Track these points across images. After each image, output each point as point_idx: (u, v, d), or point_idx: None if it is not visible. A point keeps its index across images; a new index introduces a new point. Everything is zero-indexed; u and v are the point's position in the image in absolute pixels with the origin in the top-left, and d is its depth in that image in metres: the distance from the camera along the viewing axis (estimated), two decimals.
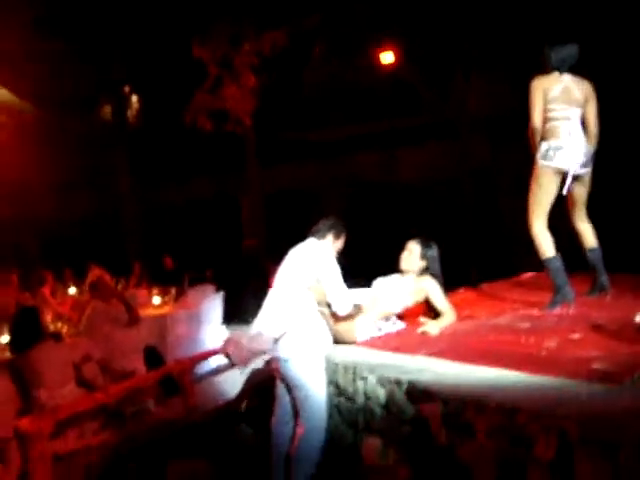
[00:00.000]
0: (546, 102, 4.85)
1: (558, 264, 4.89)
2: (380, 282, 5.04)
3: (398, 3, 11.31)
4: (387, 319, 4.89)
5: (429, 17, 11.28)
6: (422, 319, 4.85)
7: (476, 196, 11.80)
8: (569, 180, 4.86)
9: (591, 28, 8.19)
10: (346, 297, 4.27)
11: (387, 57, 12.61)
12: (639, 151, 6.58)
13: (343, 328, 4.60)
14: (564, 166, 4.84)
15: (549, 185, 4.90)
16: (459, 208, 11.88)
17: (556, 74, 4.91)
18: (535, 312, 4.92)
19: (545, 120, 4.88)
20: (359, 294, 4.83)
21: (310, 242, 4.40)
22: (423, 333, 4.60)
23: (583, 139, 4.89)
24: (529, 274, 6.87)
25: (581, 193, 5.09)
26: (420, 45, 11.89)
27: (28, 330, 5.62)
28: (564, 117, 4.86)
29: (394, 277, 5.04)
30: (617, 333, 3.81)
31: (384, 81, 12.78)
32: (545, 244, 4.90)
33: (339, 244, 4.46)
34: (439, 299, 4.85)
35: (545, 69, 4.94)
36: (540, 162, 4.87)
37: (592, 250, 5.11)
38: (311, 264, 4.21)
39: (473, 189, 11.89)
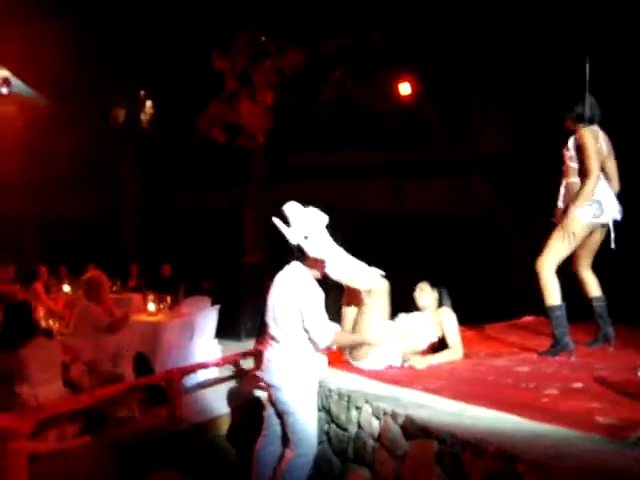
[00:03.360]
0: None
1: (562, 313, 4.83)
2: (403, 318, 4.95)
3: (421, 36, 11.35)
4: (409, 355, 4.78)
5: (450, 52, 11.31)
6: (410, 354, 4.76)
7: (481, 236, 11.72)
8: (613, 234, 4.85)
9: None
10: (326, 327, 4.03)
11: (404, 88, 12.63)
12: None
13: (358, 352, 4.56)
14: (604, 221, 4.83)
15: (579, 238, 4.86)
16: (462, 246, 11.81)
17: (596, 127, 4.88)
18: (534, 357, 4.86)
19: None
20: (386, 326, 4.73)
21: (293, 266, 4.19)
22: (410, 367, 4.60)
23: (612, 192, 4.87)
24: (529, 318, 6.80)
25: (597, 242, 5.03)
26: (438, 79, 11.93)
27: (20, 325, 5.52)
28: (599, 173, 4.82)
29: (415, 314, 4.98)
30: (620, 386, 3.74)
31: (399, 111, 12.79)
32: (553, 290, 4.83)
33: (324, 263, 4.27)
34: (452, 332, 4.82)
35: (584, 120, 4.85)
36: (579, 218, 4.78)
37: (597, 299, 5.05)
38: (292, 294, 4.03)
39: (478, 228, 11.82)
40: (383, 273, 4.57)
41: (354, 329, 4.58)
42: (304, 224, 4.09)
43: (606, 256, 5.12)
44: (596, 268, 5.16)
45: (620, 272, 6.81)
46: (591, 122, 4.86)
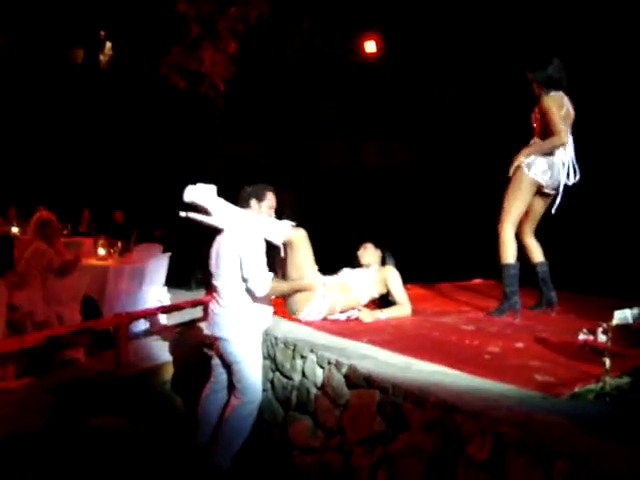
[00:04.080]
0: None
1: (515, 272, 4.93)
2: (347, 272, 5.01)
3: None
4: (350, 309, 4.85)
5: (417, 16, 11.24)
6: (360, 307, 4.85)
7: (433, 197, 11.80)
8: (558, 200, 4.93)
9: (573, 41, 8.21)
10: (264, 276, 4.01)
11: (369, 46, 12.55)
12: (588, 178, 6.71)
13: (298, 298, 4.57)
14: (550, 184, 4.89)
15: (529, 195, 4.93)
16: (414, 207, 11.88)
17: (561, 94, 4.89)
18: (481, 316, 4.95)
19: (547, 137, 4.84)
20: (326, 278, 4.79)
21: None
22: (357, 319, 4.71)
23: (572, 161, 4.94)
24: (478, 280, 6.92)
25: (541, 210, 5.13)
26: (402, 42, 11.86)
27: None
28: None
29: (359, 270, 5.03)
30: (560, 347, 3.83)
31: (362, 69, 12.69)
32: (510, 249, 4.93)
33: (267, 204, 4.29)
34: (398, 289, 4.89)
35: (549, 85, 4.86)
36: (529, 175, 4.85)
37: (541, 264, 5.15)
38: (235, 243, 4.02)
39: (431, 190, 11.89)
40: (294, 224, 4.58)
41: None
42: (201, 202, 4.18)
43: (549, 223, 5.24)
44: (539, 235, 5.26)
45: (563, 239, 6.97)
46: (556, 87, 4.88)
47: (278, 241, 4.47)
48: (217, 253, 4.11)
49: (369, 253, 5.05)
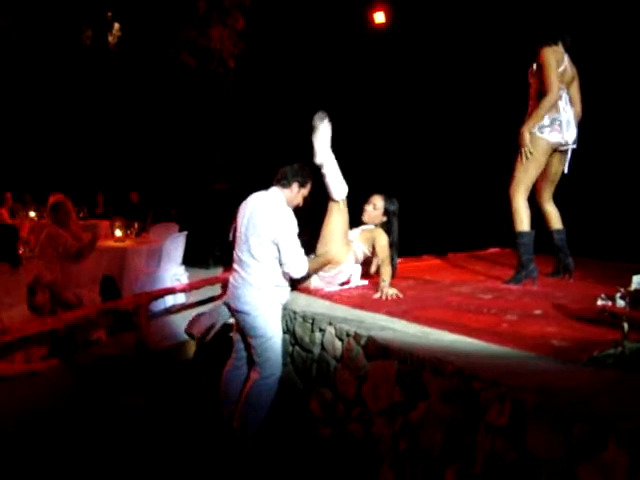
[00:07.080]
0: None
1: (530, 239, 4.91)
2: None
3: None
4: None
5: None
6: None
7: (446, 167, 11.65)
8: (569, 156, 4.91)
9: None
10: (302, 259, 4.02)
11: (379, 17, 12.38)
12: (606, 142, 6.60)
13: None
14: (562, 141, 4.84)
15: (542, 158, 4.87)
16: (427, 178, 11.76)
17: (560, 48, 4.84)
18: (498, 285, 4.95)
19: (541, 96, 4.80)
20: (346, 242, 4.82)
21: (272, 193, 4.14)
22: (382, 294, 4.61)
23: (574, 117, 4.89)
24: (494, 249, 6.91)
25: (557, 172, 5.07)
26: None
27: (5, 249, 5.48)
28: (560, 94, 4.81)
29: (357, 230, 5.05)
30: (578, 314, 3.84)
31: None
32: (525, 216, 4.89)
33: (305, 191, 4.21)
34: (385, 250, 4.76)
35: (549, 41, 4.80)
36: (537, 134, 4.81)
37: (559, 231, 5.12)
38: (270, 224, 3.95)
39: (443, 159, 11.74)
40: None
41: (319, 243, 4.63)
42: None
43: (566, 188, 5.20)
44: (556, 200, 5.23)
45: (580, 204, 6.92)
46: (555, 43, 4.82)
47: (341, 196, 4.62)
48: (247, 227, 4.02)
49: (376, 213, 5.00)
